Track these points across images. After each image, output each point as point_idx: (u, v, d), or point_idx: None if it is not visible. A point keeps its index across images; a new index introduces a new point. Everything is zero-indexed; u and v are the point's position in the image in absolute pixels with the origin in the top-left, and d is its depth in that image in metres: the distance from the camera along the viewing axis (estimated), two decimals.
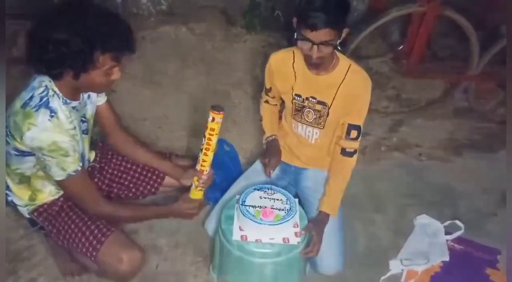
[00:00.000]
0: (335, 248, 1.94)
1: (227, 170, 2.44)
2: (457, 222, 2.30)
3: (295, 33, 1.74)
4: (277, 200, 1.89)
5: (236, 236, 1.80)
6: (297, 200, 1.93)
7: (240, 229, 1.82)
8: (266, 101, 2.16)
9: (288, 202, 1.88)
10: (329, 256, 1.92)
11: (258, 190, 1.93)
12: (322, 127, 1.99)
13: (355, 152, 1.97)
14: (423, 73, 2.99)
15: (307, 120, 2.01)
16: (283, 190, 1.94)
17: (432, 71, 3.07)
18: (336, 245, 1.95)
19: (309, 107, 1.97)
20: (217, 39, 3.39)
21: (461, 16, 2.71)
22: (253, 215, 1.81)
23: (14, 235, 2.08)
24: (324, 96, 1.93)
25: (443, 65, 3.19)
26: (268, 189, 1.94)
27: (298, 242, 1.80)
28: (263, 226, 1.78)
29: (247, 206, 1.85)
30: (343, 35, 1.75)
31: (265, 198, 1.89)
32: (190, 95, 2.95)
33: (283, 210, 1.84)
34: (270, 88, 2.08)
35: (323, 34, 1.68)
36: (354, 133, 1.94)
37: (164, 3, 3.55)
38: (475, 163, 2.75)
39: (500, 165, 2.67)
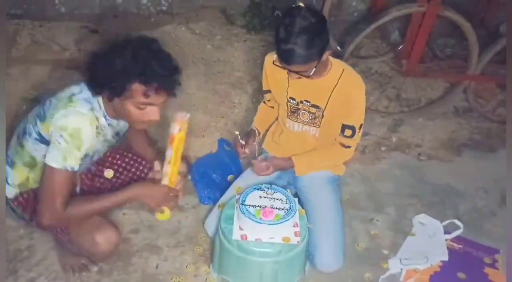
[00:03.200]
0: (334, 246, 1.95)
1: (227, 169, 2.44)
2: (456, 221, 2.30)
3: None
4: (277, 199, 1.89)
5: (236, 235, 1.81)
6: (296, 199, 1.93)
7: (240, 228, 1.83)
8: (264, 102, 2.20)
9: (288, 202, 1.89)
10: (328, 254, 1.93)
11: (258, 189, 1.93)
12: (318, 126, 2.01)
13: (350, 146, 2.03)
14: (423, 73, 2.99)
15: (302, 120, 2.03)
16: (283, 190, 1.95)
17: (432, 71, 3.07)
18: (335, 243, 1.96)
19: (304, 110, 1.99)
20: (217, 38, 3.39)
21: (461, 16, 2.71)
22: (253, 215, 1.81)
23: (14, 235, 2.08)
24: (317, 100, 1.94)
25: (443, 65, 3.19)
26: (268, 188, 1.94)
27: (298, 241, 1.80)
28: (263, 226, 1.78)
29: (247, 205, 1.85)
30: (324, 57, 1.77)
31: (265, 197, 1.90)
32: (190, 95, 2.95)
33: (283, 209, 1.84)
34: (267, 90, 2.11)
35: (295, 67, 1.72)
36: (348, 132, 1.98)
37: (164, 3, 3.55)
38: (475, 163, 2.75)
39: (500, 165, 2.67)
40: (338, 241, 1.97)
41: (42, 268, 1.98)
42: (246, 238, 1.80)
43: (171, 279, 1.99)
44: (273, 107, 2.18)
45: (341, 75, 1.90)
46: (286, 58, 1.70)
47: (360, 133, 2.01)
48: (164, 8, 3.56)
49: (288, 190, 1.98)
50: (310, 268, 1.99)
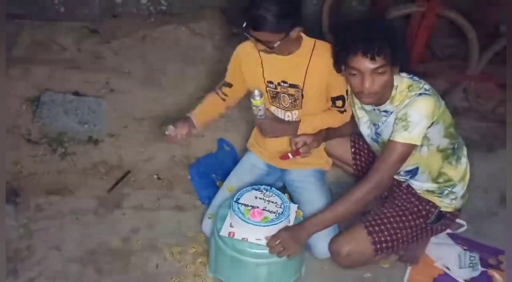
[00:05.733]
0: (328, 233, 1.94)
1: (227, 170, 2.44)
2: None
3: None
4: (272, 202, 1.89)
5: (224, 231, 1.81)
6: (296, 205, 1.93)
7: (231, 225, 1.83)
8: (217, 93, 2.13)
9: (282, 206, 1.88)
10: (324, 240, 1.94)
11: (256, 189, 1.93)
12: (300, 107, 2.01)
13: (345, 111, 2.02)
14: (422, 73, 2.98)
15: (284, 106, 2.02)
16: (281, 194, 1.94)
17: (432, 71, 3.06)
18: (329, 230, 1.94)
19: (283, 93, 1.99)
20: (217, 38, 3.39)
21: (460, 16, 2.71)
22: (242, 213, 1.81)
23: (14, 234, 2.09)
24: (294, 78, 1.94)
25: (443, 65, 3.19)
26: (266, 190, 1.94)
27: None
28: (249, 226, 1.79)
29: (240, 203, 1.85)
30: (293, 35, 1.77)
31: (261, 198, 1.90)
32: (190, 95, 2.94)
33: (274, 213, 1.84)
34: (229, 83, 2.07)
35: (265, 35, 1.72)
36: (339, 103, 1.99)
37: (164, 3, 3.55)
38: (475, 163, 2.74)
39: (500, 164, 2.66)
40: (331, 228, 1.95)
41: (42, 267, 1.98)
42: (233, 236, 1.80)
43: (171, 279, 1.99)
44: (224, 100, 2.12)
45: (313, 48, 1.91)
46: (255, 23, 1.71)
47: (349, 99, 1.99)
48: (164, 8, 3.56)
49: (286, 195, 1.97)
50: (310, 258, 2.00)
